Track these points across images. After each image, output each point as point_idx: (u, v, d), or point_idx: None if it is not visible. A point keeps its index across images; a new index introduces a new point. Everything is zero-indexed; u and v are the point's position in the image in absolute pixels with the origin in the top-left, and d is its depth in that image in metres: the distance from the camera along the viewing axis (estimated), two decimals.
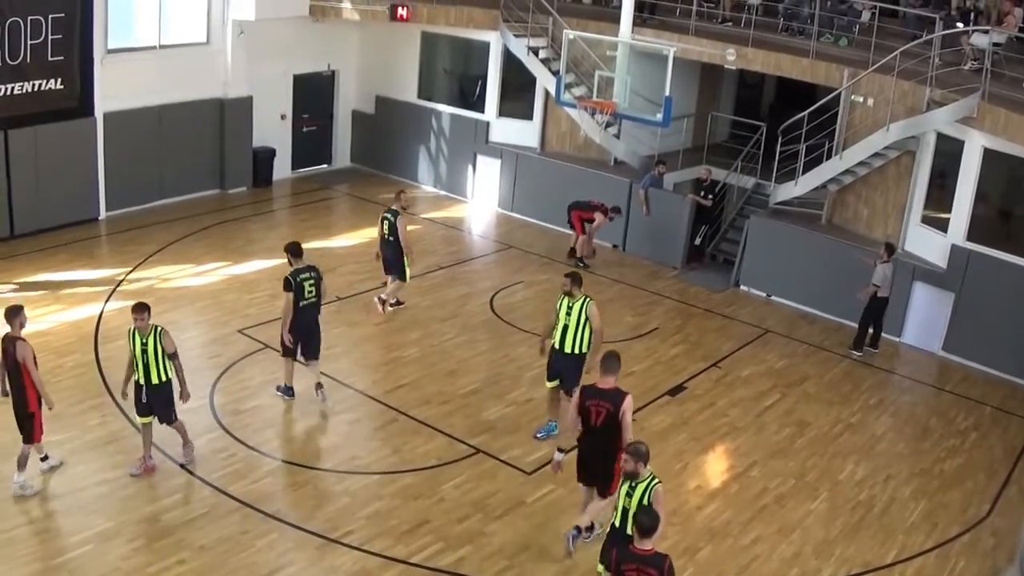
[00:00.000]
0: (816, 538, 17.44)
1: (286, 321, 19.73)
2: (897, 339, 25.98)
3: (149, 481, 17.15)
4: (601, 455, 16.01)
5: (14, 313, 16.66)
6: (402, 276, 24.53)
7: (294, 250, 20.03)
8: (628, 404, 15.86)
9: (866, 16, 29.37)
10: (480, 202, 33.96)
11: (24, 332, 16.42)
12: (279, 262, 25.82)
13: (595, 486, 16.40)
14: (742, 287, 28.01)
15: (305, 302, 19.77)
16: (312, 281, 19.87)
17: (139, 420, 17.50)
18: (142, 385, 17.07)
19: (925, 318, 25.52)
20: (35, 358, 16.52)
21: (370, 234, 29.80)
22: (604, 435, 15.86)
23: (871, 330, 25.10)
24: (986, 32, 25.54)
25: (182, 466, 17.83)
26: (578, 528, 16.45)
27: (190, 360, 20.54)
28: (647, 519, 12.55)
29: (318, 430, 19.48)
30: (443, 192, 34.81)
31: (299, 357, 20.32)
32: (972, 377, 24.51)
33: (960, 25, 27.14)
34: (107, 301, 24.04)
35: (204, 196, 31.10)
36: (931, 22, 27.42)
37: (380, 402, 20.75)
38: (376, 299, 24.85)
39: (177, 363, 17.29)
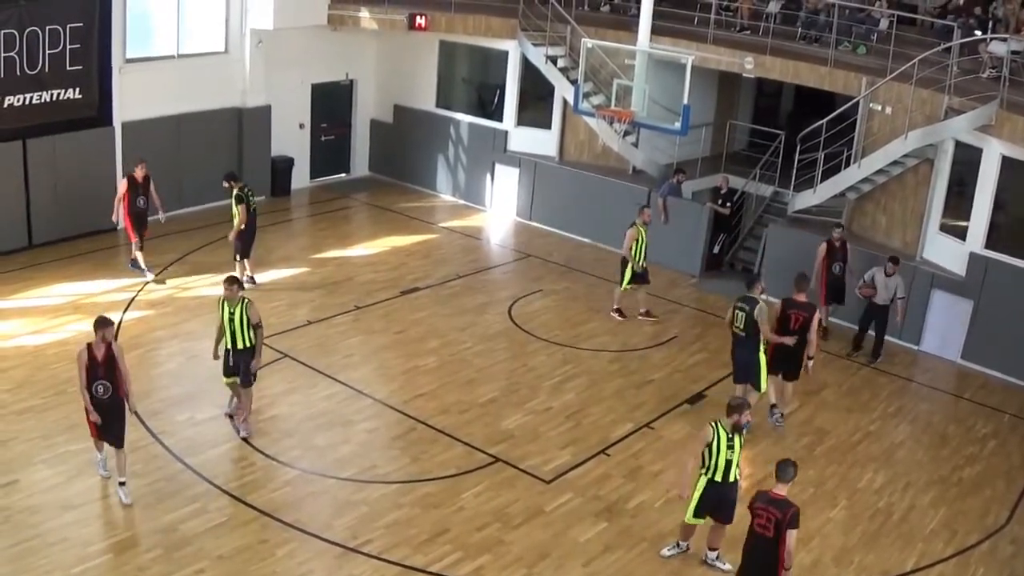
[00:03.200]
0: (835, 546, 17.41)
1: (241, 227, 25.41)
2: (915, 347, 25.94)
3: (168, 490, 17.17)
4: (794, 351, 20.80)
5: (99, 324, 16.89)
6: (619, 282, 26.07)
7: (236, 176, 26.03)
8: (818, 314, 21.22)
9: (884, 24, 29.32)
10: (498, 211, 33.99)
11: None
12: (298, 271, 26.05)
13: (784, 375, 21.35)
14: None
15: (254, 208, 25.77)
16: (252, 193, 25.88)
17: (225, 380, 19.28)
18: (229, 349, 18.92)
19: (943, 326, 25.46)
20: (88, 368, 16.60)
21: (390, 243, 30.01)
22: (798, 336, 20.69)
23: (874, 338, 25.36)
24: (1005, 40, 25.51)
25: (244, 439, 19.10)
26: (777, 410, 21.59)
27: (209, 370, 20.58)
28: (793, 469, 14.52)
29: (337, 439, 19.45)
30: (461, 201, 34.85)
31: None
32: (991, 385, 24.46)
33: (978, 33, 27.09)
34: (126, 311, 24.09)
35: (222, 205, 30.99)
36: (949, 30, 27.40)
37: (399, 411, 20.75)
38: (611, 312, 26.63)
39: (260, 332, 19.06)
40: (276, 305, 25.01)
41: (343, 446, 19.21)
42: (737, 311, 20.68)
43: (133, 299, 24.79)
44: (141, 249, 25.97)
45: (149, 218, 26.03)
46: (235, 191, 25.34)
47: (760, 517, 14.19)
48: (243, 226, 25.43)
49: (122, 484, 16.89)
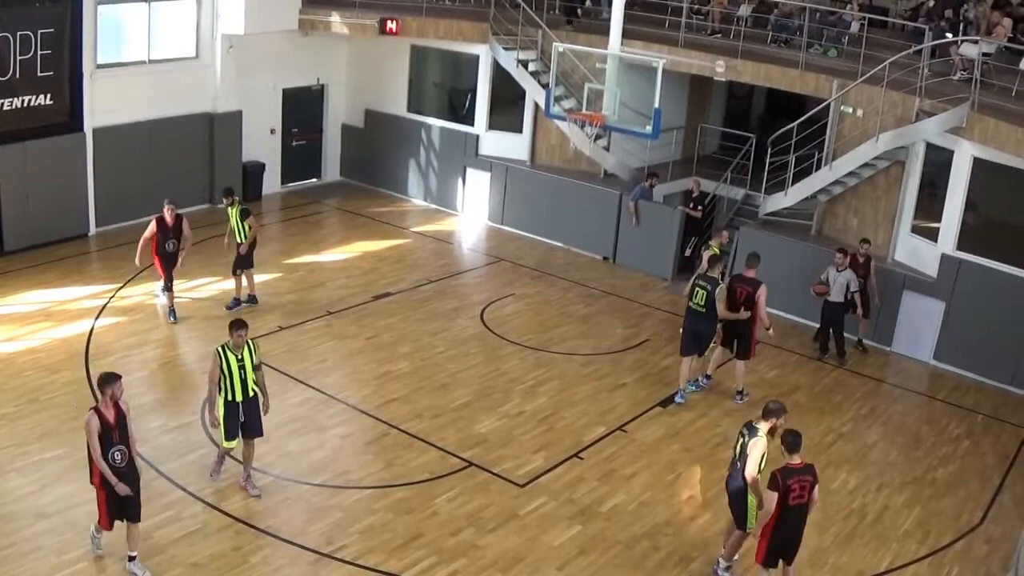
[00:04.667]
0: (809, 547, 17.36)
1: (248, 246, 24.85)
2: (887, 348, 26.01)
3: (141, 498, 17.05)
4: (741, 327, 22.15)
5: (105, 381, 14.82)
6: None
7: (234, 190, 25.55)
8: (763, 290, 21.80)
9: (855, 27, 29.38)
10: (470, 215, 33.99)
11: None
12: (270, 277, 26.00)
13: (736, 353, 22.62)
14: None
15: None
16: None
17: (226, 445, 17.39)
18: (238, 403, 17.05)
19: (916, 327, 25.53)
20: (101, 435, 14.52)
21: (362, 248, 29.92)
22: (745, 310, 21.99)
23: (834, 338, 25.58)
24: (976, 42, 25.58)
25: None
26: (739, 392, 22.75)
27: (182, 376, 20.70)
28: (796, 438, 15.04)
29: (310, 445, 19.39)
30: (433, 205, 34.82)
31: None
32: (964, 385, 24.55)
33: (950, 35, 27.18)
34: (98, 317, 24.00)
35: (194, 211, 31.01)
36: (921, 33, 27.47)
37: (372, 416, 20.70)
38: None
39: (262, 373, 17.50)
40: (248, 311, 24.91)
41: (316, 452, 19.16)
42: (698, 288, 21.78)
43: (104, 306, 24.68)
44: (170, 290, 24.28)
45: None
46: (238, 206, 24.89)
47: (794, 491, 14.84)
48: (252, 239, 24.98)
49: (132, 559, 15.27)
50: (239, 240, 24.84)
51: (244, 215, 24.73)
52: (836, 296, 24.72)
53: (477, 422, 20.85)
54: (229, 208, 24.92)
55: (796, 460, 14.93)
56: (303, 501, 17.64)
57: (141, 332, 23.50)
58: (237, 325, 16.97)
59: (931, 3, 29.78)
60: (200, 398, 20.00)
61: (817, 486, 15.13)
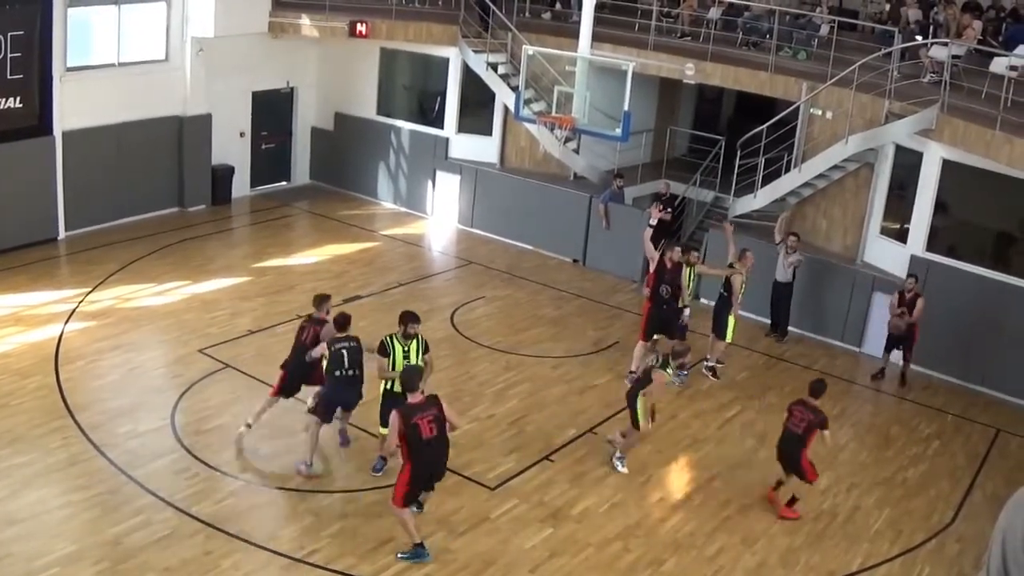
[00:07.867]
0: (780, 547, 17.50)
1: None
2: (857, 349, 26.12)
3: (112, 503, 17.00)
4: None
5: None
6: (720, 334, 24.32)
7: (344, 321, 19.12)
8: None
9: (825, 30, 29.46)
10: (440, 218, 33.97)
11: None
12: (239, 280, 25.98)
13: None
14: (702, 299, 27.90)
15: None
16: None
17: (383, 431, 17.77)
18: (397, 395, 17.31)
19: (885, 328, 25.56)
20: None
21: (332, 251, 29.87)
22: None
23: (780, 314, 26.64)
24: (945, 45, 25.67)
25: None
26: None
27: (151, 380, 20.58)
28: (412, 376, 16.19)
29: (281, 449, 19.29)
30: (403, 208, 34.78)
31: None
32: (934, 386, 24.68)
33: (919, 38, 27.28)
34: (67, 322, 23.87)
35: (163, 215, 30.97)
36: (890, 35, 27.57)
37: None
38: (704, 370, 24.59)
39: (429, 368, 17.92)
40: (217, 315, 24.87)
41: (287, 456, 19.07)
42: None
43: (74, 310, 24.56)
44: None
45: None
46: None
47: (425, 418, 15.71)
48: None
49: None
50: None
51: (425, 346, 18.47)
52: (785, 276, 25.79)
53: None
54: (407, 341, 18.23)
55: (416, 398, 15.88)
56: (274, 506, 17.63)
57: (111, 336, 23.40)
58: (411, 317, 17.90)
59: (887, 6, 29.94)
60: (170, 402, 19.95)
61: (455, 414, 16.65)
